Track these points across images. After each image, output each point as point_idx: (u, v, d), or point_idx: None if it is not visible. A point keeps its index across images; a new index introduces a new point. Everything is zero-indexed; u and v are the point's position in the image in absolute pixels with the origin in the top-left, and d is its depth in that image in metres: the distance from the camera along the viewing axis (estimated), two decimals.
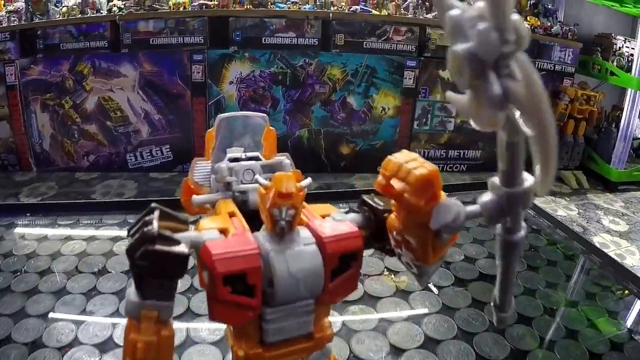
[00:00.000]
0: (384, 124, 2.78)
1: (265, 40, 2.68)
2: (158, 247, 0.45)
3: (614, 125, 3.20)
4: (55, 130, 2.87)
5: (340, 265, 0.52)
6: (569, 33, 3.05)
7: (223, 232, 0.51)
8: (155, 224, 0.46)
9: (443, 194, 0.46)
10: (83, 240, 1.29)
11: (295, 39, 2.67)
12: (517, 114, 0.36)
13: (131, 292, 0.48)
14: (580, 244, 1.39)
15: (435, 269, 0.52)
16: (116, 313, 1.03)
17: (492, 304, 0.52)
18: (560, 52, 3.01)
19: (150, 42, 2.66)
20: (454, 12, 0.34)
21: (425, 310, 1.09)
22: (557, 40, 3.00)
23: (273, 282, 0.49)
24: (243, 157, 0.64)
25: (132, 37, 2.67)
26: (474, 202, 0.44)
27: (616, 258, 1.42)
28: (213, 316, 0.50)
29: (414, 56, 2.75)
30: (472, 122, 0.38)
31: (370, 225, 0.54)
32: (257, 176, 0.62)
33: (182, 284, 1.02)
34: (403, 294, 1.12)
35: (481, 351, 0.99)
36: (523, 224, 0.44)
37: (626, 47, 3.22)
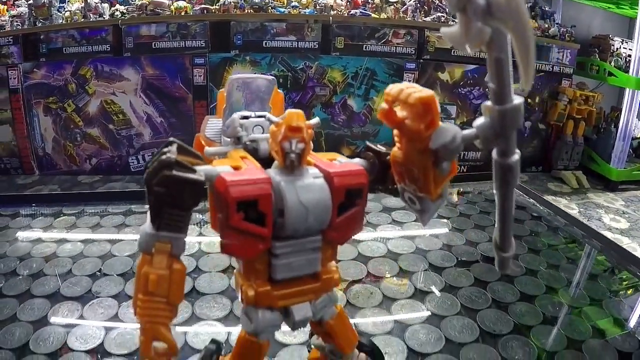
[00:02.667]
0: (384, 126, 2.79)
1: (266, 44, 2.71)
2: (175, 172, 0.46)
3: (613, 126, 3.23)
4: (58, 133, 2.89)
5: (346, 201, 0.53)
6: (567, 35, 3.09)
7: (235, 169, 0.52)
8: (174, 152, 0.47)
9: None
10: (88, 228, 1.30)
11: (296, 42, 2.70)
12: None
13: (145, 226, 0.49)
14: (581, 229, 1.40)
15: (436, 208, 0.53)
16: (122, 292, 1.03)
17: (493, 245, 0.54)
18: (558, 53, 3.04)
19: (153, 46, 2.69)
20: None
21: (429, 289, 1.10)
22: (555, 41, 3.04)
23: (284, 212, 0.50)
24: (253, 115, 0.66)
25: (135, 41, 2.69)
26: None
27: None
28: (225, 248, 0.51)
29: (413, 59, 2.78)
30: (466, 47, 0.40)
31: (374, 169, 0.55)
32: (268, 114, 0.64)
33: (187, 264, 1.01)
34: (406, 273, 1.12)
35: (485, 326, 0.99)
36: (517, 150, 0.46)
37: (624, 47, 3.26)
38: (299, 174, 0.52)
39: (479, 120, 0.45)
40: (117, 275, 1.11)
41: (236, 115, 0.64)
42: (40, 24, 2.79)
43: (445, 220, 1.43)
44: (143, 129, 2.82)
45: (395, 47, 2.74)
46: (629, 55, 3.09)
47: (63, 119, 2.88)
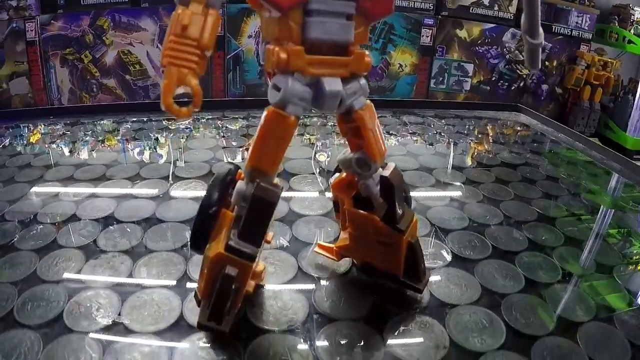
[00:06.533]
0: (401, 81, 2.78)
1: None
2: None
3: (630, 94, 3.19)
4: (75, 85, 2.90)
5: None
6: (587, 0, 3.05)
7: None
8: None
9: None
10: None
11: None
12: None
13: None
14: (599, 152, 1.38)
15: None
16: None
17: (522, 32, 0.54)
18: (578, 17, 3.01)
19: None
20: None
21: (449, 181, 1.10)
22: (575, 5, 3.00)
23: None
24: None
25: None
26: None
27: None
28: None
29: (432, 14, 2.75)
30: None
31: None
32: None
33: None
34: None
35: (509, 213, 0.99)
36: None
37: None
38: None
39: None
40: None
41: None
42: None
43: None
44: (159, 79, 2.82)
45: (414, 2, 2.72)
46: None
47: (80, 70, 2.88)
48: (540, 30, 0.53)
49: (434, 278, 0.78)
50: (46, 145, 1.30)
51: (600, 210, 1.08)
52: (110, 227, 0.89)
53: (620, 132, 3.12)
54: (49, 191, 1.03)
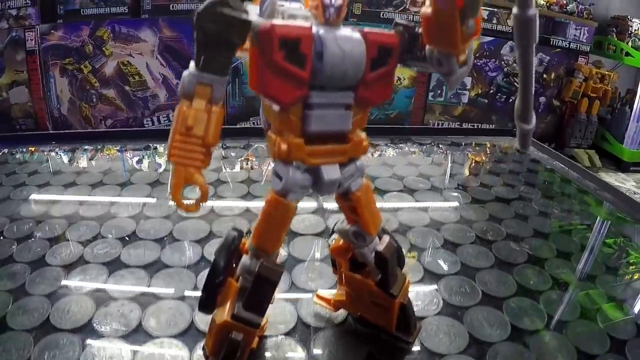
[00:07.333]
0: (399, 94, 2.80)
1: None
2: (227, 10, 0.50)
3: (627, 107, 3.22)
4: (74, 94, 2.91)
5: (379, 58, 0.55)
6: (585, 12, 3.07)
7: None
8: None
9: None
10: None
11: None
12: None
13: (188, 71, 0.54)
14: (593, 182, 1.40)
15: (462, 74, 0.56)
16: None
17: (515, 117, 0.56)
18: (576, 30, 3.03)
19: (170, 8, 2.70)
20: None
21: (444, 220, 1.12)
22: (573, 18, 3.02)
23: (322, 56, 0.51)
24: (287, 4, 0.68)
25: (152, 2, 2.71)
26: None
27: None
28: (265, 89, 0.53)
29: None
30: None
31: (404, 40, 0.57)
32: None
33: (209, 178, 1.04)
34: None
35: (500, 255, 1.01)
36: (535, 7, 0.50)
37: None
38: (336, 28, 0.54)
39: None
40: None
41: None
42: None
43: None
44: (159, 90, 2.84)
45: (413, 15, 2.73)
46: None
47: (79, 80, 2.90)
48: (533, 114, 0.56)
49: (425, 328, 0.81)
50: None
51: (588, 245, 1.11)
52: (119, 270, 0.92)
53: (617, 144, 3.15)
54: (52, 236, 1.04)
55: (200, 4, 0.50)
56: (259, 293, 0.62)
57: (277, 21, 0.53)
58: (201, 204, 0.54)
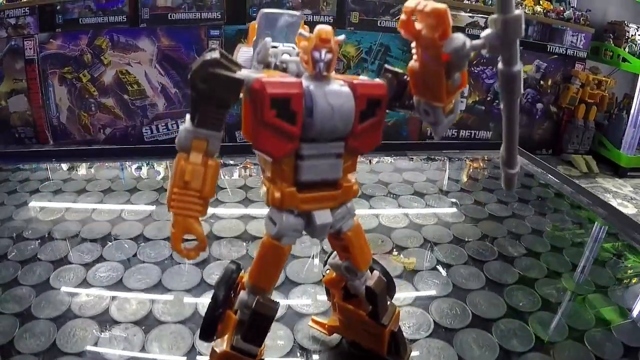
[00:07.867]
0: None
1: None
2: (218, 70, 0.51)
3: (624, 112, 3.23)
4: (73, 103, 2.93)
5: (367, 110, 0.56)
6: (582, 18, 3.08)
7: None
8: (217, 54, 0.52)
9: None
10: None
11: (311, 15, 2.72)
12: None
13: (184, 127, 0.56)
14: (586, 197, 1.41)
15: (448, 122, 0.58)
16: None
17: (500, 162, 0.58)
18: (573, 36, 3.04)
19: (169, 17, 2.72)
20: None
21: (437, 240, 1.13)
22: (569, 24, 3.03)
23: (312, 112, 0.53)
24: (281, 45, 0.69)
25: (151, 12, 2.72)
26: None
27: None
28: (257, 144, 0.54)
29: None
30: None
31: (392, 87, 0.59)
32: (300, 30, 0.67)
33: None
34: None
35: (491, 275, 1.02)
36: (520, 62, 0.51)
37: (639, 34, 3.25)
38: (326, 82, 0.56)
39: (486, 31, 0.50)
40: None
41: (268, 39, 0.67)
42: None
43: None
44: (157, 99, 2.86)
45: None
46: None
47: (78, 88, 2.92)
48: (518, 160, 0.57)
49: (415, 352, 0.83)
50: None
51: (580, 264, 1.12)
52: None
53: (614, 149, 3.16)
54: (56, 258, 1.05)
55: (195, 63, 0.52)
56: (256, 327, 0.65)
57: (268, 77, 0.54)
58: (201, 251, 0.56)
